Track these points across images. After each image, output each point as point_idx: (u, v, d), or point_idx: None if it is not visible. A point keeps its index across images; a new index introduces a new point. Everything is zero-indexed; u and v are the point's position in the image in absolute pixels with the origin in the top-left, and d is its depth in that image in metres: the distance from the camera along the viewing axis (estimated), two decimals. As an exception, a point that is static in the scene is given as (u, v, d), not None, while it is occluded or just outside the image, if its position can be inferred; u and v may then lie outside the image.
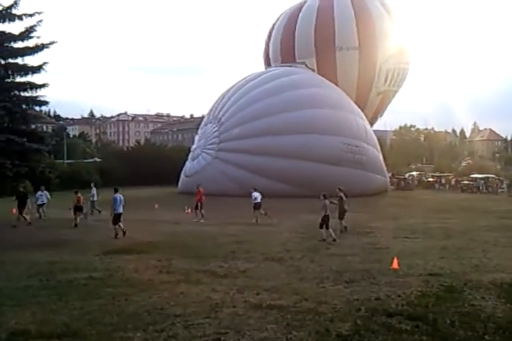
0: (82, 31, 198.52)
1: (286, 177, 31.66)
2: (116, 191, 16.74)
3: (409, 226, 18.47)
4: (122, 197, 16.58)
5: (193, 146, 37.85)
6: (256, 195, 20.96)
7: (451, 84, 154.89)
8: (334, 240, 14.89)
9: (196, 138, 38.63)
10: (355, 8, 44.07)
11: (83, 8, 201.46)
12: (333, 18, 43.88)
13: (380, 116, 50.63)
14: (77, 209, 19.67)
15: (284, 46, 46.24)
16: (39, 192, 22.95)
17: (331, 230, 15.27)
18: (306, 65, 43.07)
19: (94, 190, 24.17)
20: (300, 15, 45.61)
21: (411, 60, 48.93)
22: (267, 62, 48.57)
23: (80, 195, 20.14)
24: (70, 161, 51.86)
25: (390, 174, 45.87)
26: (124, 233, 16.09)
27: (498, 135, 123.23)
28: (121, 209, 16.42)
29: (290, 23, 45.97)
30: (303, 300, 8.27)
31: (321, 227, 15.33)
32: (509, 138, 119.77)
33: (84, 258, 12.22)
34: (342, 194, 17.19)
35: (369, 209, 26.10)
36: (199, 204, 21.72)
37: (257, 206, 20.58)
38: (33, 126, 36.39)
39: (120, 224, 16.26)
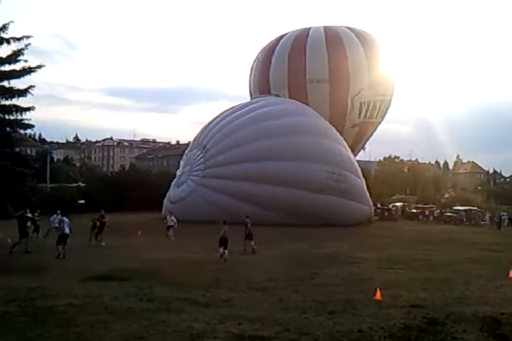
0: (75, 54, 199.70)
1: (270, 204, 31.63)
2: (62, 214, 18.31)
3: (393, 257, 18.48)
4: (67, 220, 17.84)
5: (178, 173, 37.80)
6: (168, 218, 24.84)
7: (435, 116, 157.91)
8: (225, 260, 16.74)
9: (181, 164, 38.63)
10: (328, 41, 44.70)
11: (69, 31, 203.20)
12: (305, 50, 44.60)
13: (362, 147, 50.80)
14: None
15: (261, 78, 47.23)
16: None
17: (226, 251, 17.16)
18: (280, 97, 43.60)
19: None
20: (276, 47, 46.59)
21: (392, 92, 49.03)
22: (251, 94, 49.50)
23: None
24: (53, 185, 51.36)
25: (379, 204, 46.11)
26: (63, 256, 16.81)
27: (480, 168, 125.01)
28: (67, 231, 17.42)
29: (268, 55, 47.02)
30: (285, 330, 8.18)
31: (220, 247, 17.41)
32: (491, 172, 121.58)
33: (65, 285, 12.01)
34: (248, 220, 20.36)
35: (353, 239, 26.16)
36: (100, 228, 22.34)
37: (168, 227, 24.33)
38: (17, 149, 36.20)
39: (63, 246, 17.09)
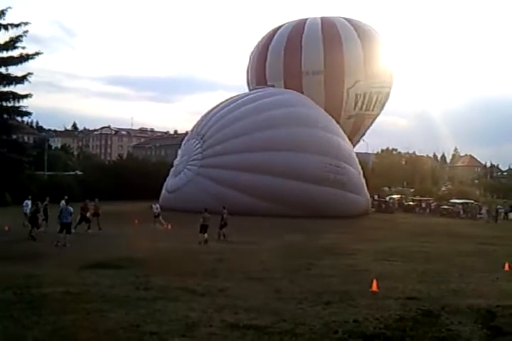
0: (74, 43, 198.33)
1: (268, 194, 31.64)
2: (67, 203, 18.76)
3: (389, 249, 18.54)
4: (71, 209, 18.17)
5: (176, 162, 37.74)
6: (154, 207, 25.92)
7: (434, 109, 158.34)
8: (206, 242, 18.88)
9: (179, 153, 38.58)
10: (325, 33, 44.49)
11: (68, 18, 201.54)
12: (301, 42, 44.49)
13: (360, 139, 50.65)
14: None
15: (258, 69, 47.28)
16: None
17: (206, 235, 19.09)
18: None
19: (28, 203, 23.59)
20: (273, 39, 46.50)
21: (390, 84, 48.66)
22: (248, 84, 49.54)
23: None
24: (50, 173, 51.21)
25: (376, 196, 46.19)
26: (64, 245, 17.01)
27: (478, 161, 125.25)
28: (65, 220, 17.68)
29: (265, 46, 47.02)
30: (281, 320, 8.21)
31: (200, 232, 19.19)
32: (488, 165, 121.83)
33: (62, 272, 12.02)
34: (225, 211, 21.41)
35: (350, 230, 26.23)
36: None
37: (157, 215, 25.58)
38: (15, 137, 36.08)
39: (65, 234, 17.33)
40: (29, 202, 23.11)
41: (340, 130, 38.42)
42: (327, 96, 43.50)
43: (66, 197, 22.36)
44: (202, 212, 20.11)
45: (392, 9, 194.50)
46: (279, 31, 46.94)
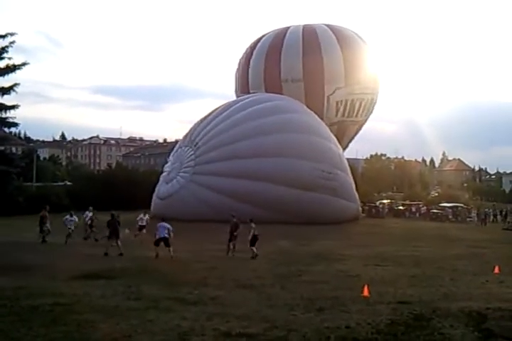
0: (61, 52, 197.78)
1: (260, 201, 31.51)
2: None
3: (380, 254, 18.59)
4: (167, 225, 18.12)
5: (167, 169, 37.51)
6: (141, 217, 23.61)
7: (421, 114, 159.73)
8: (255, 256, 17.36)
9: (170, 159, 38.35)
10: (305, 41, 44.48)
11: (54, 29, 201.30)
12: (281, 50, 44.55)
13: (346, 146, 50.40)
14: None
15: (242, 77, 47.51)
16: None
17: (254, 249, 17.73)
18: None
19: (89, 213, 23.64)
20: (256, 47, 46.71)
21: (373, 90, 48.11)
22: (236, 92, 49.82)
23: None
24: (39, 184, 50.90)
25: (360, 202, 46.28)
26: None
27: (466, 165, 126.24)
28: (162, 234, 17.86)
29: (248, 54, 47.25)
30: (273, 328, 8.19)
31: (252, 245, 17.85)
32: (477, 169, 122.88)
33: (52, 283, 11.91)
34: (235, 219, 19.42)
35: (341, 236, 26.27)
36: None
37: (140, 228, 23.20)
38: (2, 148, 35.86)
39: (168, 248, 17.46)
40: (89, 214, 23.16)
41: (332, 135, 38.44)
42: (307, 104, 42.96)
43: (91, 208, 22.52)
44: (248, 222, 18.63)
45: (384, 16, 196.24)
46: (262, 40, 47.11)
